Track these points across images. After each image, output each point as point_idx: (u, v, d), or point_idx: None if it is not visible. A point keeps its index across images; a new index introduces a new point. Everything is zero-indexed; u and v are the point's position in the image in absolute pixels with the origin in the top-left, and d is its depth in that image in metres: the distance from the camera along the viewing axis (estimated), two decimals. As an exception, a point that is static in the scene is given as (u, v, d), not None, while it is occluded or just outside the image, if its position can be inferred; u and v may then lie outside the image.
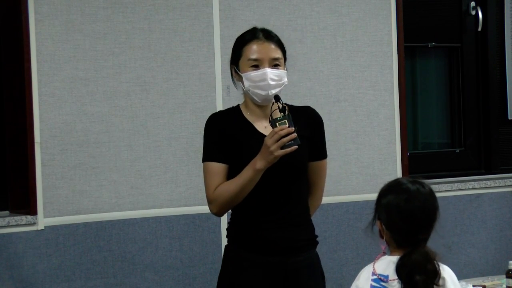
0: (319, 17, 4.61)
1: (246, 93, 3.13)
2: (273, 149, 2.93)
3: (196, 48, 4.29)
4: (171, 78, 4.24)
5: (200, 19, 4.30)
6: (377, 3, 4.76)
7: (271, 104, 3.07)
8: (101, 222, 4.07)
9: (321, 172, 3.26)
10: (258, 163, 2.97)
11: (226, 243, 3.21)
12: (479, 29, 5.27)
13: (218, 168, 3.10)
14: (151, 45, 4.19)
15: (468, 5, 5.26)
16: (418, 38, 5.16)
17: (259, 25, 3.22)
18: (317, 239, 3.23)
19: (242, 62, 3.10)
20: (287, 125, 2.94)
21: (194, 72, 4.29)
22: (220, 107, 4.27)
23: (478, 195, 5.10)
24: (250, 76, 3.07)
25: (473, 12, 5.26)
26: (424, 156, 5.25)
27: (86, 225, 4.04)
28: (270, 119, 2.99)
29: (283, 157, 2.97)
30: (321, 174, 3.26)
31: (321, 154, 3.24)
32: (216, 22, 4.33)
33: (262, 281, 3.07)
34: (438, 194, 2.70)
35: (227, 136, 3.11)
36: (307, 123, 3.16)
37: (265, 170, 2.99)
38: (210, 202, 3.13)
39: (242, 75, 3.09)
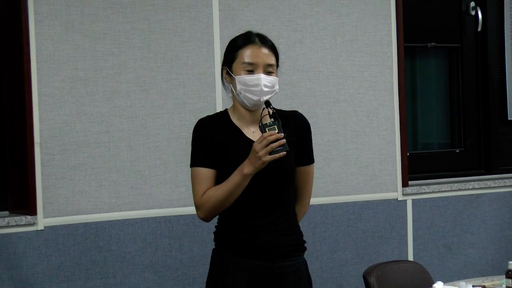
0: (319, 17, 4.61)
1: (235, 97, 3.11)
2: (261, 154, 2.92)
3: (196, 48, 4.28)
4: (171, 78, 4.24)
5: (200, 19, 4.30)
6: (377, 3, 4.76)
7: (261, 110, 3.06)
8: (101, 222, 4.07)
9: (308, 177, 3.23)
10: (246, 168, 2.96)
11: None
12: (479, 29, 5.27)
13: (206, 173, 3.09)
14: (151, 45, 4.19)
15: (468, 5, 5.26)
16: (418, 38, 5.16)
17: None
18: (306, 244, 3.20)
19: (236, 65, 3.08)
20: (276, 131, 2.94)
21: (194, 72, 4.28)
22: (220, 107, 4.27)
23: (478, 195, 5.09)
24: (244, 79, 3.05)
25: (473, 12, 5.26)
26: (424, 156, 5.24)
27: (86, 225, 4.04)
28: (260, 124, 2.98)
29: (271, 163, 2.96)
30: (308, 180, 3.24)
31: (308, 159, 3.22)
32: (216, 22, 4.33)
33: (247, 284, 3.06)
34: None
35: (215, 142, 3.09)
36: (295, 128, 3.14)
37: (253, 175, 2.98)
38: (197, 207, 3.12)
39: (236, 77, 3.07)
